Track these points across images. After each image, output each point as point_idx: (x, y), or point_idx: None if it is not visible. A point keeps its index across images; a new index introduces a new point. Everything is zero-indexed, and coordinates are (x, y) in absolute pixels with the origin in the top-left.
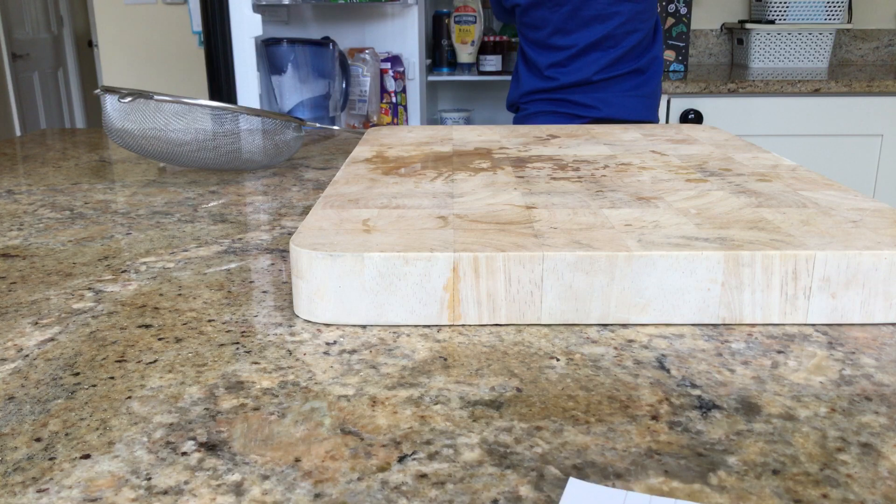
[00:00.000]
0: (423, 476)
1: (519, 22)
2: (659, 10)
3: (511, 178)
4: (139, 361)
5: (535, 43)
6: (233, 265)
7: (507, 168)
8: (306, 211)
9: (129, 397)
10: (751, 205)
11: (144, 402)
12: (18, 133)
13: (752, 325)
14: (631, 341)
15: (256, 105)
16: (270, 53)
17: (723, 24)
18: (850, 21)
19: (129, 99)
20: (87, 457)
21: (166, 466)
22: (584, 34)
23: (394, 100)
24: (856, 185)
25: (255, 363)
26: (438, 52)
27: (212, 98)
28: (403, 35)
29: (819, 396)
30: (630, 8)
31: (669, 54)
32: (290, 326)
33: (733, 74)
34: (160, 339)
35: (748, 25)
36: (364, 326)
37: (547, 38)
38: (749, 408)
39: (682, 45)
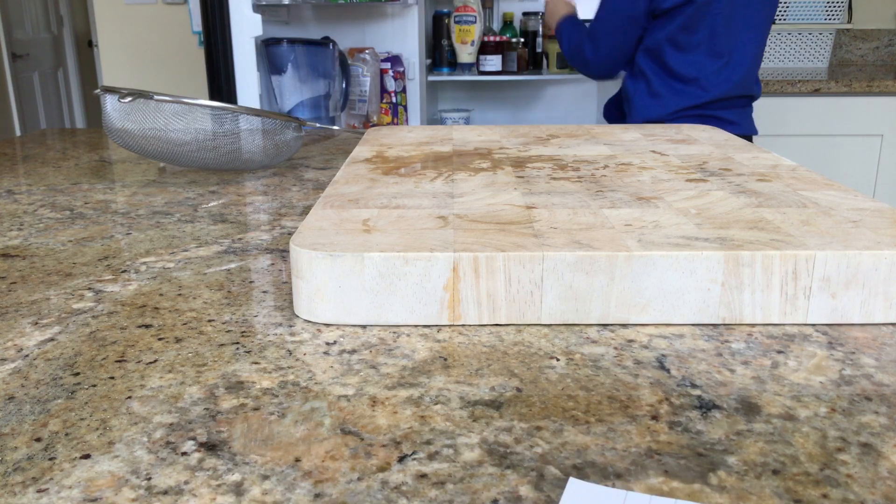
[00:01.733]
0: (423, 476)
1: (663, 27)
2: None
3: (511, 178)
4: (139, 361)
5: (681, 48)
6: (233, 265)
7: (507, 168)
8: (306, 211)
9: (129, 397)
10: (751, 205)
11: (144, 402)
12: (18, 133)
13: (752, 325)
14: (631, 341)
15: (256, 105)
16: (270, 53)
17: None
18: (850, 21)
19: (129, 99)
20: (87, 457)
21: (166, 466)
22: (737, 42)
23: (394, 100)
24: (856, 185)
25: (255, 363)
26: (438, 52)
27: (212, 98)
28: (403, 35)
29: (819, 396)
30: (768, 27)
31: None
32: (290, 326)
33: None
34: (160, 339)
35: None
36: (364, 326)
37: (701, 42)
38: (749, 408)
39: None
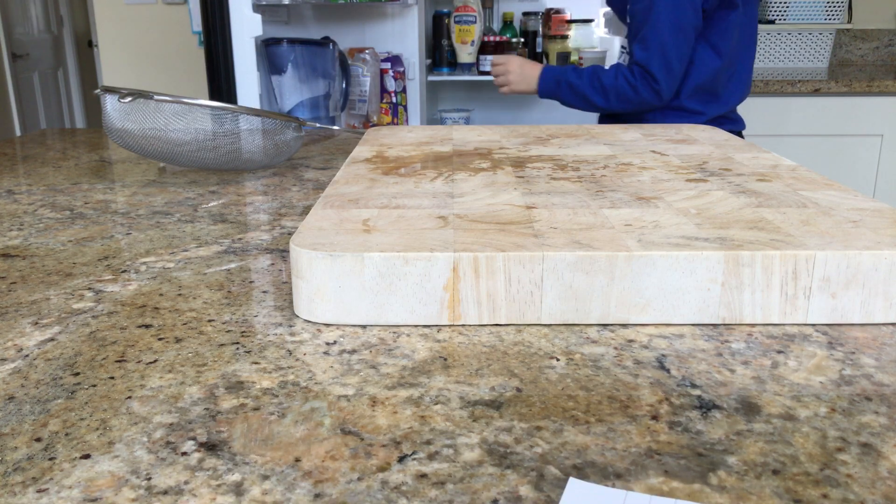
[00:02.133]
0: (423, 476)
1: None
2: None
3: (511, 178)
4: (139, 361)
5: (707, 62)
6: (233, 265)
7: (507, 168)
8: (306, 211)
9: (129, 397)
10: (751, 205)
11: (144, 402)
12: (18, 133)
13: (752, 325)
14: (631, 341)
15: (256, 105)
16: (270, 53)
17: None
18: (850, 21)
19: (129, 99)
20: (87, 457)
21: (166, 466)
22: (742, 52)
23: (394, 100)
24: (856, 185)
25: (255, 363)
26: (438, 52)
27: (212, 98)
28: (403, 35)
29: (819, 396)
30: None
31: None
32: (290, 326)
33: None
34: (160, 339)
35: None
36: (364, 326)
37: (724, 54)
38: (749, 408)
39: None
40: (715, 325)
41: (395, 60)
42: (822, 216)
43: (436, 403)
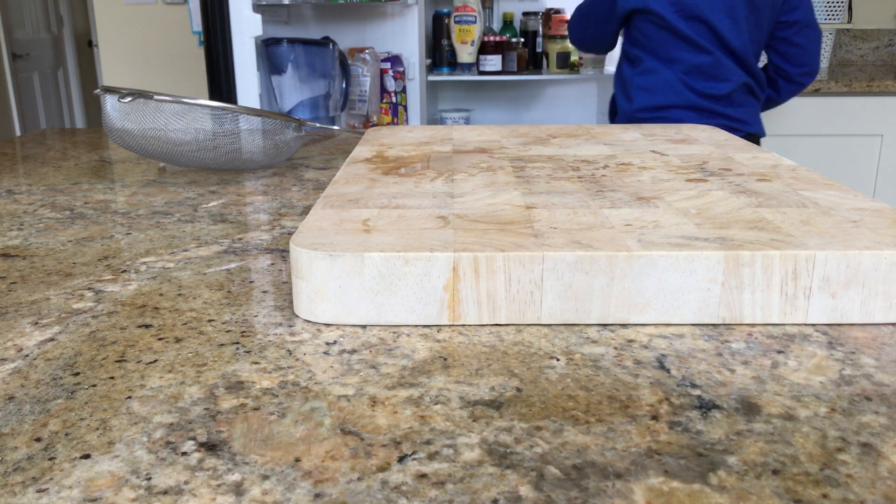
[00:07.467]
0: (423, 476)
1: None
2: None
3: (511, 178)
4: (139, 361)
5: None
6: (233, 265)
7: (507, 168)
8: (306, 211)
9: (129, 397)
10: (751, 205)
11: (144, 402)
12: (18, 133)
13: (752, 325)
14: (631, 341)
15: (256, 105)
16: (270, 53)
17: None
18: (850, 21)
19: (129, 99)
20: (87, 457)
21: (166, 466)
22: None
23: (394, 100)
24: (856, 185)
25: (255, 363)
26: (438, 52)
27: (212, 98)
28: (403, 35)
29: (819, 396)
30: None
31: None
32: (290, 326)
33: None
34: (160, 339)
35: None
36: (364, 326)
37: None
38: (749, 408)
39: None
40: (715, 325)
41: (395, 60)
42: (822, 216)
43: (436, 403)
